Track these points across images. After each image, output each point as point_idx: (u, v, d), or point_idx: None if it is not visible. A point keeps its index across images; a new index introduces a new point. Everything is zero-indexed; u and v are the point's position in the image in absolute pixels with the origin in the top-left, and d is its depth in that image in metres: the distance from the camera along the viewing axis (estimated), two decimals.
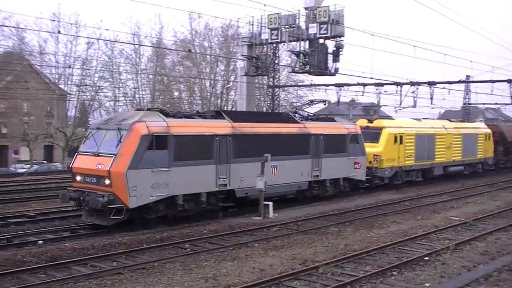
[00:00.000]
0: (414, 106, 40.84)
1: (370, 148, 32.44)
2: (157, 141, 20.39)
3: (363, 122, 35.57)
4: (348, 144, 29.18)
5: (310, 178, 27.20)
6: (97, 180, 20.09)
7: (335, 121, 30.28)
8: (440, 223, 22.95)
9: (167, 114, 21.97)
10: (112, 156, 19.81)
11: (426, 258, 16.81)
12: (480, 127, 46.53)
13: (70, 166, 21.88)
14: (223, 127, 23.16)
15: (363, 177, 30.71)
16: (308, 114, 30.23)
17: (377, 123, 35.13)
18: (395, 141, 34.26)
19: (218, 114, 24.29)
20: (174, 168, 20.88)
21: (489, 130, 46.15)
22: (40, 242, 17.93)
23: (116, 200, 19.52)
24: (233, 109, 56.47)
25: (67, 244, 17.97)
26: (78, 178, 20.88)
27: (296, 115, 28.73)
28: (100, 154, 20.34)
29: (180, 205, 21.46)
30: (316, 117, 30.27)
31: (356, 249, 17.93)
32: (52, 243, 18.15)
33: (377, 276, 14.75)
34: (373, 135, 33.97)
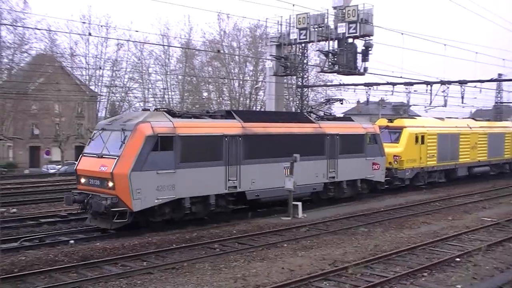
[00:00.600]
0: (445, 105, 40.26)
1: (390, 149, 31.72)
2: (162, 142, 19.82)
3: (383, 121, 34.97)
4: (366, 145, 28.48)
5: (326, 179, 26.48)
6: (100, 183, 19.61)
7: (353, 120, 29.59)
8: (471, 224, 22.65)
9: (174, 114, 21.44)
10: (116, 158, 19.26)
11: (458, 259, 16.61)
12: (508, 126, 45.42)
13: (75, 168, 21.51)
14: (232, 127, 22.52)
15: (382, 178, 29.90)
16: (324, 114, 29.74)
17: (397, 122, 34.38)
18: (416, 141, 33.37)
19: (228, 114, 23.67)
20: (180, 170, 20.27)
21: None
22: (72, 241, 18.16)
23: (119, 203, 18.98)
24: (262, 109, 56.50)
25: (98, 243, 18.17)
26: (82, 180, 20.43)
27: (312, 114, 28.25)
28: (104, 156, 19.83)
29: (187, 208, 20.82)
30: (332, 117, 29.71)
31: (386, 249, 17.80)
32: (83, 243, 18.39)
33: (407, 277, 14.63)
34: (394, 135, 33.27)
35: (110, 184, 19.14)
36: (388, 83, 40.07)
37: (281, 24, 37.81)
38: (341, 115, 32.51)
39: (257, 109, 59.72)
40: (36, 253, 16.76)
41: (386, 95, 49.15)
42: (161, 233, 20.03)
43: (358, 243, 18.95)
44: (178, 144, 20.26)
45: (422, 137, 33.85)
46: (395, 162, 31.95)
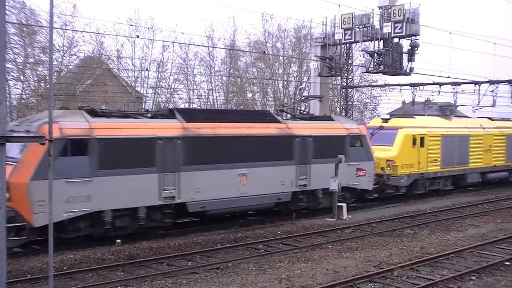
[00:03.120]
0: (493, 105, 39.45)
1: (383, 152, 28.53)
2: (73, 146, 17.13)
3: (377, 121, 32.05)
4: (348, 147, 25.04)
5: (295, 188, 23.10)
6: None
7: (333, 120, 26.03)
8: None
9: (95, 113, 18.57)
10: (14, 164, 16.48)
11: (508, 263, 16.29)
12: None
13: None
14: (169, 128, 19.51)
15: (370, 186, 26.37)
16: (300, 112, 27.43)
17: (393, 122, 30.93)
18: (414, 143, 29.59)
19: (171, 113, 20.64)
20: (98, 178, 17.43)
21: None
22: (119, 241, 18.45)
23: (17, 217, 16.23)
24: (306, 110, 56.37)
25: (144, 243, 18.44)
26: None
27: (283, 113, 25.47)
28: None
29: (108, 223, 18.01)
30: (309, 116, 26.78)
31: (432, 252, 17.58)
32: (129, 242, 18.66)
33: (455, 281, 14.42)
34: (388, 136, 29.50)
35: (6, 195, 17.23)
36: (434, 83, 39.56)
37: (325, 25, 37.64)
38: (327, 115, 29.20)
39: (301, 110, 59.67)
40: (84, 251, 17.12)
41: (432, 95, 48.44)
42: (206, 233, 20.22)
43: (403, 245, 18.76)
44: (95, 148, 17.50)
45: (422, 139, 30.20)
46: (388, 168, 28.33)
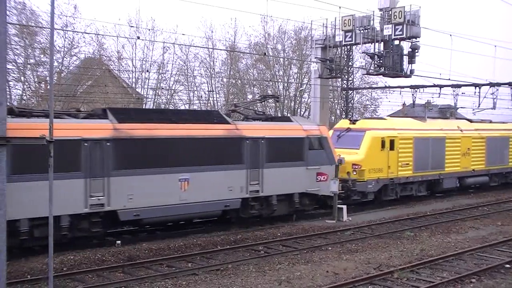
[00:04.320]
0: (494, 108, 39.49)
1: (349, 156, 26.58)
2: None
3: (344, 123, 29.78)
4: (307, 151, 23.23)
5: (245, 194, 21.31)
6: None
7: (291, 121, 24.22)
8: None
9: (11, 112, 16.84)
10: None
11: (508, 265, 16.28)
12: None
13: None
14: (97, 129, 17.85)
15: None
16: (255, 113, 25.60)
17: (360, 124, 28.87)
18: (383, 146, 27.51)
19: (103, 113, 19.05)
20: (13, 184, 15.52)
21: None
22: (118, 242, 18.44)
23: None
24: (307, 112, 56.37)
25: (144, 244, 18.43)
26: None
27: (235, 114, 24.07)
28: None
29: (25, 233, 16.38)
30: (264, 116, 24.97)
31: (433, 254, 17.57)
32: (129, 244, 18.64)
33: (455, 283, 14.43)
34: (355, 139, 27.57)
35: None
36: (435, 85, 39.59)
37: (326, 26, 37.70)
38: (286, 116, 27.71)
39: (302, 112, 59.63)
40: (84, 252, 17.12)
41: (432, 97, 48.44)
42: (206, 234, 20.24)
43: (404, 247, 18.75)
44: (9, 152, 15.76)
45: (392, 141, 28.04)
46: (354, 172, 26.52)
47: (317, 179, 23.63)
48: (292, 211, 23.27)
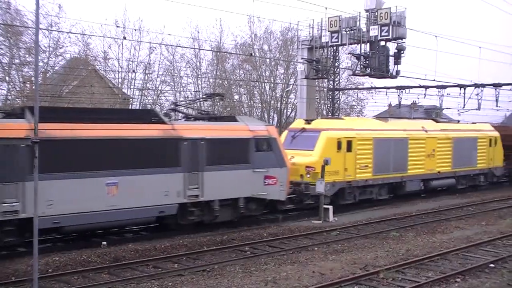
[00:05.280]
0: (478, 108, 39.81)
1: (303, 157, 25.16)
2: None
3: (299, 123, 28.23)
4: (253, 152, 21.72)
5: (183, 199, 19.78)
6: None
7: (237, 121, 22.75)
8: (506, 229, 22.29)
9: None
10: None
11: (492, 265, 16.38)
12: (482, 129, 36.76)
13: None
14: (9, 129, 16.34)
15: (282, 196, 22.89)
16: (199, 112, 24.20)
17: (316, 124, 27.18)
18: (339, 147, 25.95)
19: (21, 112, 17.66)
20: None
21: (496, 133, 36.74)
22: (104, 243, 18.34)
23: None
24: (293, 113, 56.42)
25: (130, 245, 18.35)
26: None
27: (175, 113, 22.60)
28: None
29: None
30: (208, 116, 23.18)
31: (418, 254, 17.65)
32: (115, 244, 18.55)
33: (440, 283, 14.49)
34: (309, 139, 25.95)
35: None
36: (420, 86, 39.84)
37: (312, 27, 37.81)
38: (231, 115, 26.00)
39: (288, 113, 59.67)
40: (69, 254, 17.01)
41: (418, 98, 48.78)
42: (192, 235, 20.17)
43: (389, 247, 18.82)
44: None
45: (349, 142, 26.48)
46: (308, 175, 24.87)
47: (265, 182, 22.11)
48: (237, 216, 21.85)
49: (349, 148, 26.47)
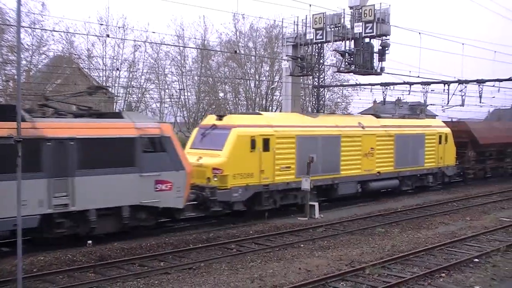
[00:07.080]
0: (462, 105, 39.98)
1: (211, 158, 22.48)
2: None
3: (211, 119, 24.97)
4: (140, 154, 18.92)
5: (47, 209, 16.93)
6: None
7: (122, 117, 19.74)
8: (490, 224, 22.50)
9: None
10: None
11: (476, 260, 16.53)
12: (431, 125, 34.49)
13: None
14: None
15: (180, 203, 19.99)
16: (79, 108, 21.26)
17: (227, 120, 23.95)
18: (253, 146, 23.03)
19: None
20: None
21: (447, 130, 34.68)
22: (90, 242, 18.24)
23: None
24: (278, 110, 56.38)
25: (115, 243, 18.27)
26: None
27: (45, 109, 18.92)
28: None
29: None
30: (88, 113, 19.69)
31: (403, 250, 17.76)
32: (101, 243, 18.47)
33: (425, 278, 14.59)
34: (219, 138, 23.09)
35: None
36: (405, 83, 39.96)
37: (297, 24, 37.76)
38: (115, 112, 22.81)
39: (273, 110, 59.66)
40: (54, 253, 16.90)
41: (403, 94, 48.89)
42: (178, 233, 20.15)
43: (375, 243, 18.92)
44: None
45: (266, 140, 23.56)
46: (215, 178, 22.04)
47: (156, 188, 19.31)
48: (121, 227, 18.94)
49: (266, 147, 23.57)
